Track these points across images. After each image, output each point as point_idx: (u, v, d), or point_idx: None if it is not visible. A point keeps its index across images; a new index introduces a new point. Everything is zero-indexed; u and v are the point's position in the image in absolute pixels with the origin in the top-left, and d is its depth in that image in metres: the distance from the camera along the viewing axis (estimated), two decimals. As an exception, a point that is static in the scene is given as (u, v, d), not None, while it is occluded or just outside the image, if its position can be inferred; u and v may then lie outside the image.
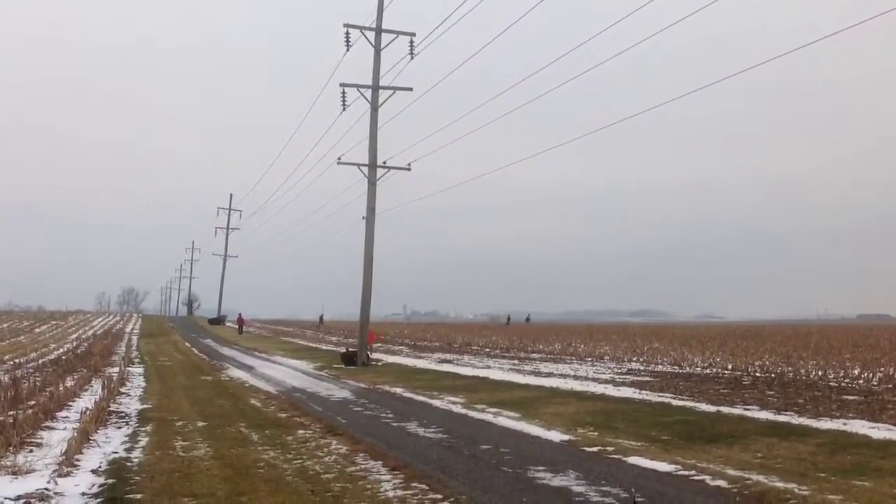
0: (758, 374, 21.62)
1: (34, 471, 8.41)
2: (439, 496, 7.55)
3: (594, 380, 20.32)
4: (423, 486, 7.93)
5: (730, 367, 24.01)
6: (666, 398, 15.53)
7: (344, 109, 29.59)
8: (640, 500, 7.36)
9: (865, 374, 20.13)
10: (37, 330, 57.77)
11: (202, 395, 17.62)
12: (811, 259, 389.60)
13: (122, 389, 18.25)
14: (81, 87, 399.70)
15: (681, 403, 14.59)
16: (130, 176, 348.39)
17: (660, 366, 26.10)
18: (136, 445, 10.61)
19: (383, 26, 28.75)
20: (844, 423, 11.72)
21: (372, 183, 28.80)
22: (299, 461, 9.43)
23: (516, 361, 28.85)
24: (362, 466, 9.04)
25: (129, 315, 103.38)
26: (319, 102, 39.05)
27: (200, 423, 12.82)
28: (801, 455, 9.37)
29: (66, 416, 12.86)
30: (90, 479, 8.34)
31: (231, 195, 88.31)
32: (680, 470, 8.72)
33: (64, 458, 9.00)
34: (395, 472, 8.63)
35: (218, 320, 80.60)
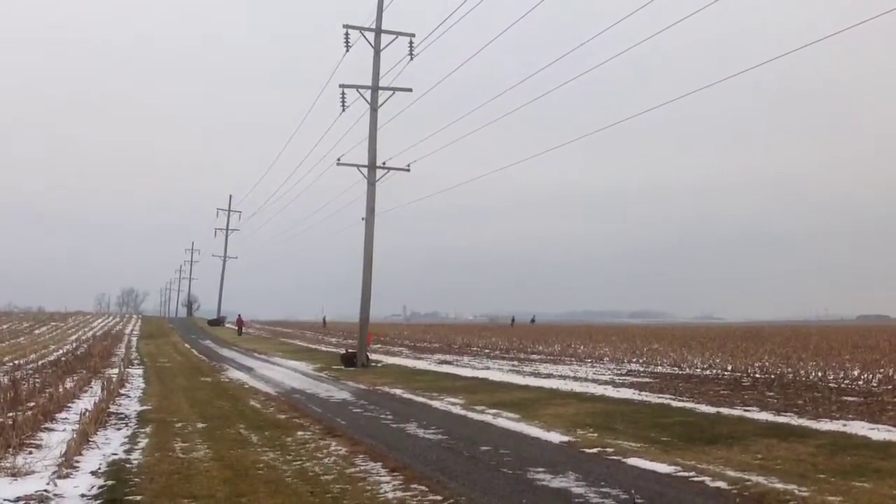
0: (757, 376, 21.61)
1: (34, 472, 8.40)
2: (439, 497, 7.55)
3: (594, 381, 20.31)
4: (423, 488, 7.92)
5: (729, 368, 24.00)
6: (665, 399, 15.52)
7: (343, 110, 29.62)
8: (639, 501, 7.37)
9: (865, 376, 20.13)
10: (36, 331, 57.77)
11: (201, 397, 17.62)
12: (811, 259, 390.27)
13: (122, 391, 18.25)
14: (81, 87, 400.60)
15: (680, 405, 14.59)
16: (130, 176, 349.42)
17: (659, 367, 26.08)
18: (136, 447, 10.60)
19: (383, 27, 28.77)
20: (844, 425, 11.71)
21: (371, 183, 28.80)
22: (299, 462, 9.43)
23: (516, 363, 28.85)
24: (362, 468, 9.03)
25: (129, 316, 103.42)
26: (319, 103, 39.01)
27: (200, 425, 12.82)
28: (801, 456, 9.37)
29: (66, 418, 12.84)
30: (90, 480, 8.33)
31: (230, 196, 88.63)
32: (680, 471, 8.71)
33: (63, 459, 8.99)
34: (395, 474, 8.62)
35: (217, 321, 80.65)
